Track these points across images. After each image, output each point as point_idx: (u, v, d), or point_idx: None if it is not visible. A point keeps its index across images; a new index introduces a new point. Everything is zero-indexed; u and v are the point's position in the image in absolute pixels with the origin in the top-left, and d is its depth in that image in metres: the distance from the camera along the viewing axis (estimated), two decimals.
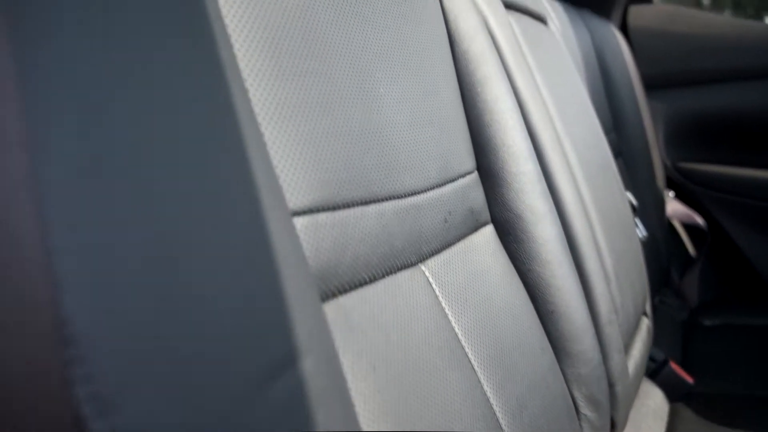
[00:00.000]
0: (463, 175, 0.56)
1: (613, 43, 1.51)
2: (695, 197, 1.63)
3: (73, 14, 0.21)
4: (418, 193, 0.48)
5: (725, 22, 1.60)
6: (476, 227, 0.58)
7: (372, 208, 0.41)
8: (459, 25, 0.61)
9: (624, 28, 1.69)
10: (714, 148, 1.63)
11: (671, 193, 1.61)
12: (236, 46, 0.34)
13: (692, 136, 1.65)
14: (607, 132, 1.38)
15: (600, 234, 0.74)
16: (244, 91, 0.32)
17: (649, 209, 1.46)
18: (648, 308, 0.95)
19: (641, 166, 1.49)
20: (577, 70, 1.23)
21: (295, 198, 0.34)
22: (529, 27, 0.85)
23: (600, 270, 0.69)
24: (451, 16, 0.61)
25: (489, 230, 0.60)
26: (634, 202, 1.08)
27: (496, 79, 0.62)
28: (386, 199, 0.43)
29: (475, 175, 0.60)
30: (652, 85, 1.66)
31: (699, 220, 1.58)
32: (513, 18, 0.79)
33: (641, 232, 1.07)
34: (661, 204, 1.53)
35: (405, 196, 0.46)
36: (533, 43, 0.82)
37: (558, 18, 1.19)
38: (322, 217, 0.36)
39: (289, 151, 0.35)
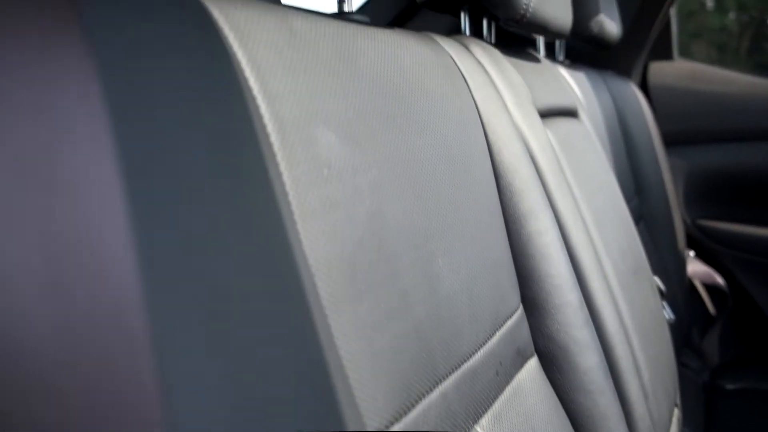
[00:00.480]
0: (510, 316, 0.57)
1: (634, 103, 1.52)
2: (716, 255, 1.63)
3: None
4: (473, 353, 0.49)
5: (747, 80, 1.61)
6: (522, 363, 0.58)
7: (436, 393, 0.42)
8: (503, 158, 0.62)
9: (644, 85, 1.70)
10: (735, 205, 1.64)
11: (691, 253, 1.61)
12: (313, 269, 0.34)
13: (713, 193, 1.65)
14: (630, 198, 1.38)
15: (637, 347, 0.75)
16: (324, 317, 0.33)
17: (669, 269, 1.47)
18: (678, 399, 0.96)
19: (662, 227, 1.49)
20: (600, 136, 1.24)
21: (371, 420, 0.35)
22: (562, 127, 0.86)
23: (639, 389, 0.70)
24: (495, 149, 0.62)
25: (533, 363, 0.60)
26: (662, 287, 1.09)
27: (539, 210, 0.63)
28: (447, 375, 0.44)
29: (521, 310, 0.60)
30: (672, 141, 1.66)
31: (719, 279, 1.58)
32: (548, 126, 0.80)
33: (668, 314, 1.07)
34: (681, 264, 1.53)
35: (462, 363, 0.47)
36: (567, 146, 0.83)
37: (581, 88, 1.21)
38: (395, 427, 0.37)
39: (365, 370, 0.36)
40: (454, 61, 0.62)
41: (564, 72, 1.13)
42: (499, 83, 0.69)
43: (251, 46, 0.35)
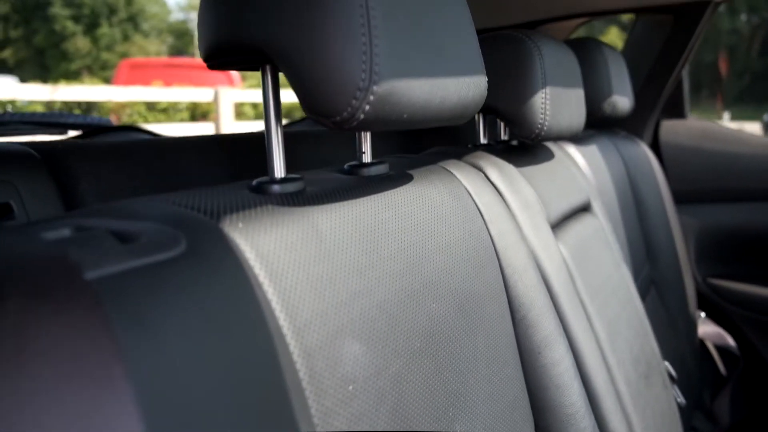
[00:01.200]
0: None
1: (645, 164, 1.54)
2: (727, 315, 1.63)
3: None
4: None
5: (758, 141, 1.62)
6: None
7: None
8: (519, 292, 0.63)
9: (656, 143, 1.71)
10: (746, 264, 1.64)
11: (702, 314, 1.61)
12: None
13: (724, 252, 1.66)
14: (641, 267, 1.39)
15: None
16: None
17: (680, 331, 1.47)
18: None
19: (673, 290, 1.50)
20: (612, 207, 1.25)
21: None
22: (575, 232, 0.87)
23: None
24: (510, 282, 0.63)
25: None
26: (673, 373, 1.09)
27: (554, 339, 0.64)
28: None
29: None
30: (683, 199, 1.67)
31: (730, 340, 1.58)
32: (562, 235, 0.82)
33: (679, 397, 1.07)
34: (692, 326, 1.53)
35: None
36: (580, 253, 0.84)
37: (593, 163, 1.22)
38: None
39: None
40: (470, 195, 0.63)
41: (575, 153, 1.14)
42: (515, 208, 0.70)
43: (279, 276, 0.36)
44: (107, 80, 11.69)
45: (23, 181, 0.68)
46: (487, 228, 0.63)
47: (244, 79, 7.99)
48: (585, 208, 1.01)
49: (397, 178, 0.55)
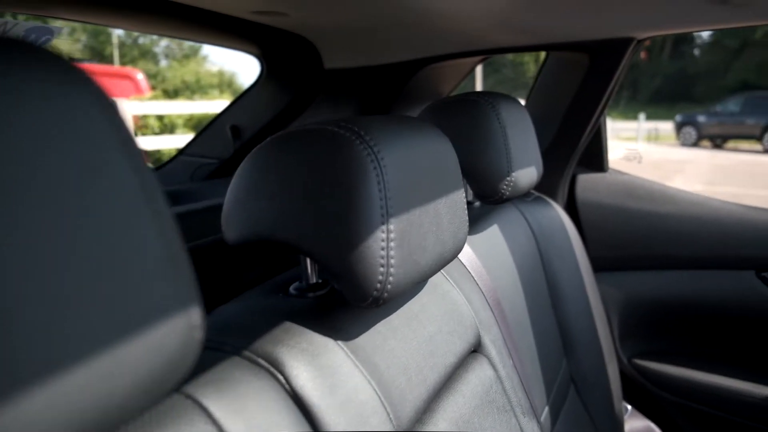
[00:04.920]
0: None
1: (558, 231, 1.27)
2: (656, 401, 1.40)
3: None
4: None
5: (685, 198, 1.38)
6: None
7: None
8: None
9: (572, 203, 1.45)
10: (676, 342, 1.41)
11: (629, 407, 1.37)
12: None
13: (651, 328, 1.42)
14: (558, 364, 1.13)
15: None
16: None
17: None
18: None
19: (595, 384, 1.24)
20: (518, 299, 0.99)
21: None
22: (455, 409, 0.60)
23: None
24: None
25: None
26: None
27: None
28: None
29: None
30: (604, 267, 1.42)
31: None
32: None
33: None
34: (618, 425, 1.28)
35: None
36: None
37: (491, 245, 0.95)
38: None
39: None
40: None
41: (463, 250, 0.86)
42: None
43: None
44: None
45: None
46: None
47: (153, 88, 7.39)
48: (474, 350, 0.73)
49: None
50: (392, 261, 0.51)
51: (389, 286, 0.51)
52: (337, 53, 1.29)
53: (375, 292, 0.51)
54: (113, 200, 0.25)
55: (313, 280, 0.61)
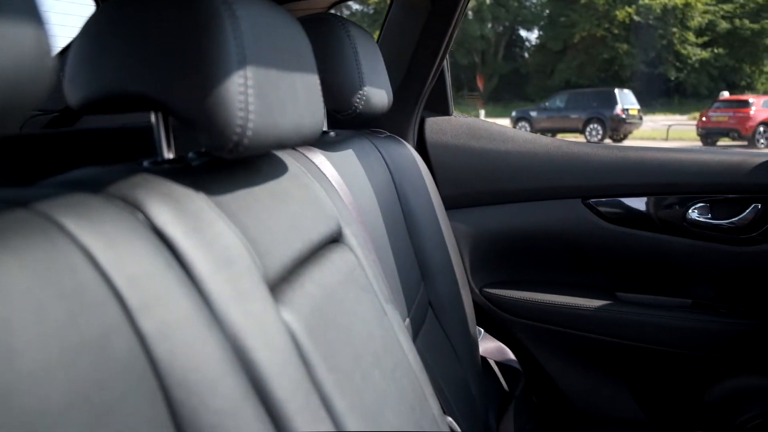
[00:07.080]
0: None
1: (411, 167, 1.33)
2: (505, 326, 1.52)
3: None
4: None
5: (523, 137, 1.51)
6: None
7: None
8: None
9: (421, 144, 1.53)
10: (519, 270, 1.54)
11: (482, 331, 1.47)
12: None
13: (497, 259, 1.54)
14: (417, 287, 1.18)
15: None
16: None
17: (461, 354, 1.30)
18: None
19: (451, 308, 1.32)
20: (377, 225, 1.02)
21: None
22: (313, 288, 0.60)
23: None
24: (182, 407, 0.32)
25: None
26: (457, 429, 0.88)
27: None
28: None
29: None
30: (453, 205, 1.51)
31: (511, 355, 1.46)
32: (288, 300, 0.53)
33: None
34: (473, 346, 1.37)
35: None
36: (323, 317, 0.58)
37: (350, 173, 0.97)
38: None
39: None
40: (96, 263, 0.35)
41: (322, 162, 0.87)
42: (200, 272, 0.45)
43: None
44: None
45: None
46: (132, 318, 0.34)
47: None
48: (334, 240, 0.74)
49: None
50: (251, 108, 0.51)
51: (249, 132, 0.51)
52: None
53: (235, 137, 0.50)
54: None
55: (168, 155, 0.59)
